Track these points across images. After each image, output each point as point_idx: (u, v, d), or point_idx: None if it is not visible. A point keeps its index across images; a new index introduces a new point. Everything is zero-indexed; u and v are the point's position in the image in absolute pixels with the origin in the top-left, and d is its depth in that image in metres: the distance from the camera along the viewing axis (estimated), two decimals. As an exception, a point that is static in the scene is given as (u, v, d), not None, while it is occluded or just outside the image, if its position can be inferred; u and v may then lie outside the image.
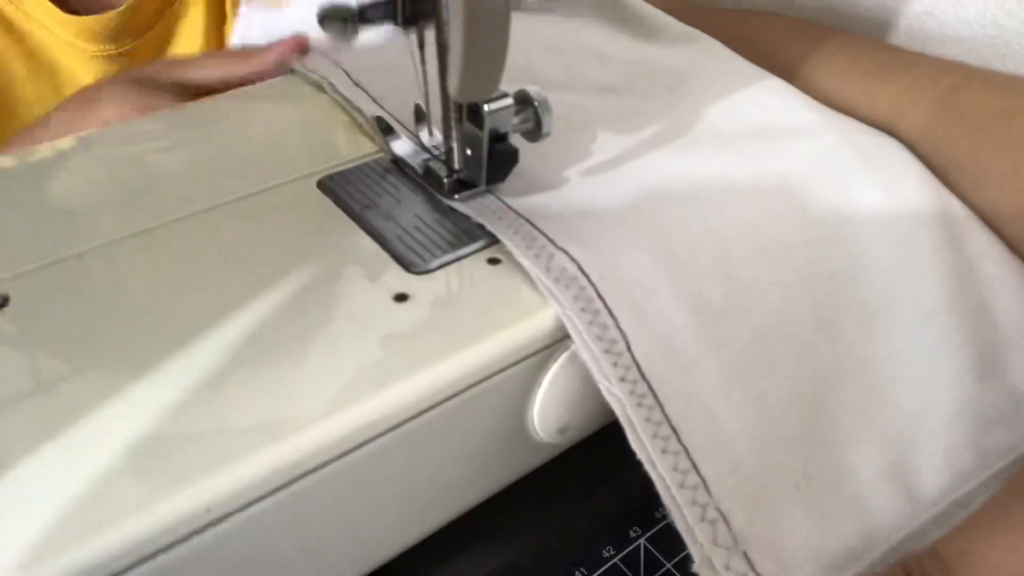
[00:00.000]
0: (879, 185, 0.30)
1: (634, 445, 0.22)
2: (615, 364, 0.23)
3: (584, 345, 0.23)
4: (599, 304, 0.23)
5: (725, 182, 0.29)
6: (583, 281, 0.23)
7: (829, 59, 0.36)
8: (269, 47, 0.38)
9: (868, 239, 0.29)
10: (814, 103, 0.34)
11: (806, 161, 0.30)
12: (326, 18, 0.23)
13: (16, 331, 0.22)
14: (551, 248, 0.24)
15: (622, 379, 0.22)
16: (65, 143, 0.30)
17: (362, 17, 0.23)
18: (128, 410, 0.20)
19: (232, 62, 0.38)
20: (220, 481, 0.18)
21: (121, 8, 0.52)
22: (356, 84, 0.32)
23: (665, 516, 0.30)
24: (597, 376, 0.23)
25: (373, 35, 0.24)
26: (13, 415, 0.20)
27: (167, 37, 0.56)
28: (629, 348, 0.23)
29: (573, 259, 0.24)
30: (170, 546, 0.18)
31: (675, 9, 0.39)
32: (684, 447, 0.23)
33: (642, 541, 0.29)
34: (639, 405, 0.22)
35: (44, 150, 0.30)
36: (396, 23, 0.23)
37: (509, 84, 0.24)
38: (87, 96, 0.39)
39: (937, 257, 0.29)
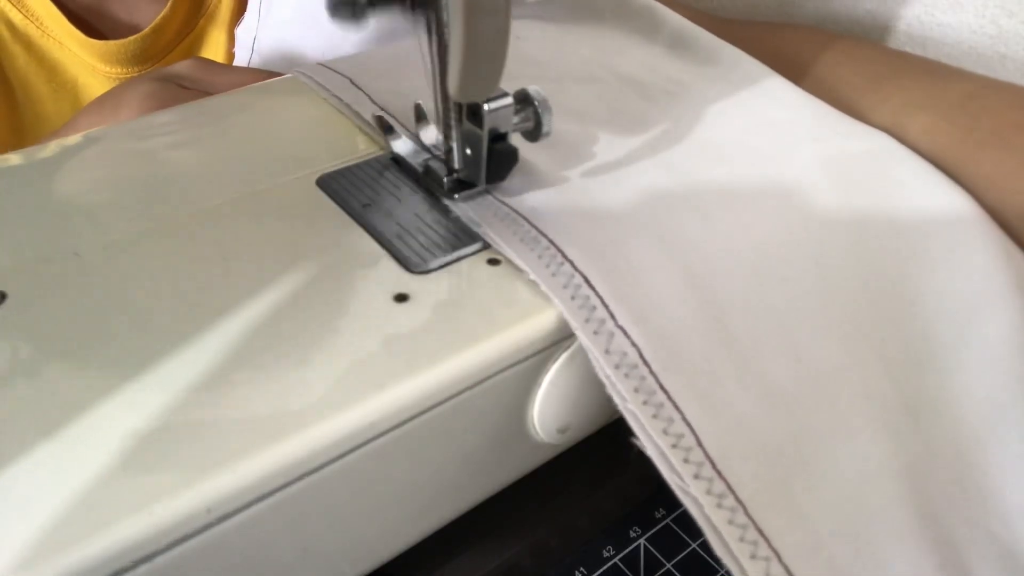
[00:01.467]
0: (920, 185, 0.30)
1: (641, 435, 0.22)
2: (617, 366, 0.22)
3: (587, 339, 0.22)
4: (598, 302, 0.23)
5: (739, 188, 0.28)
6: (584, 285, 0.23)
7: (846, 65, 0.36)
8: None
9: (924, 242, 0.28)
10: (825, 105, 0.34)
11: (820, 166, 0.30)
12: (336, 4, 0.23)
13: (13, 328, 0.22)
14: (552, 250, 0.24)
15: (636, 390, 0.22)
16: (67, 141, 0.30)
17: (371, 1, 0.23)
18: (127, 409, 0.20)
19: (264, 75, 0.39)
20: (220, 482, 0.18)
21: (142, 33, 0.53)
22: (355, 85, 0.32)
23: (665, 516, 0.30)
24: (600, 372, 0.22)
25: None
26: (10, 414, 0.20)
27: None
28: (641, 355, 0.22)
29: (570, 261, 0.24)
30: (169, 547, 0.18)
31: (710, 23, 0.39)
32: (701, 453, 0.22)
33: (642, 541, 0.29)
34: (655, 417, 0.22)
35: (47, 148, 0.30)
36: (405, 5, 0.23)
37: (511, 81, 0.24)
38: (114, 100, 0.39)
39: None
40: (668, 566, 0.29)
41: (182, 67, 0.41)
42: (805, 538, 0.22)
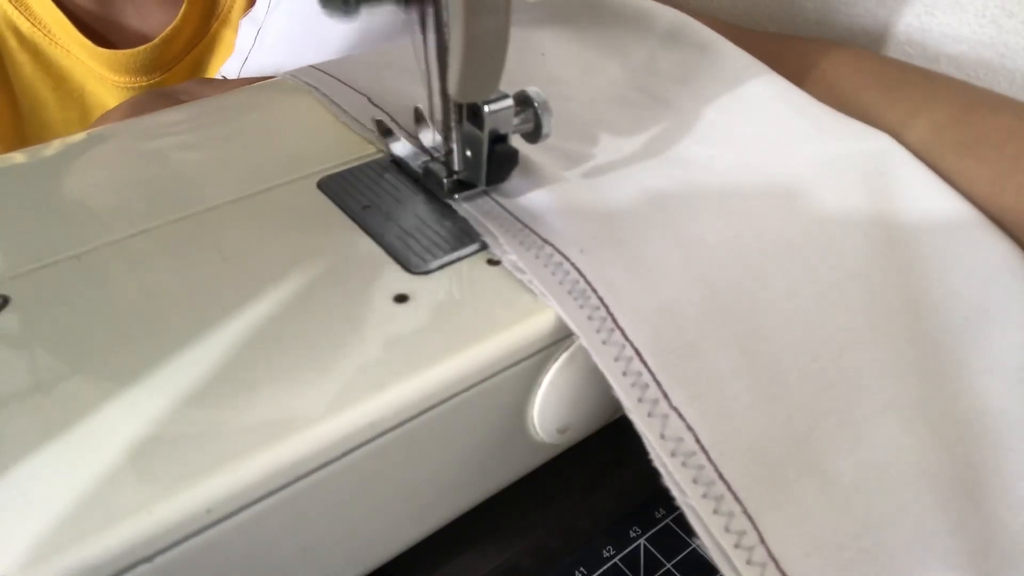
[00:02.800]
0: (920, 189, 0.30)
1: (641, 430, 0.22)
2: (616, 359, 0.22)
3: (590, 344, 0.22)
4: (598, 302, 0.23)
5: (737, 187, 0.28)
6: (582, 281, 0.23)
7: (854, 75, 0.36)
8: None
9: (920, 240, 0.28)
10: (826, 108, 0.34)
11: (824, 165, 0.30)
12: None
13: (16, 331, 0.22)
14: (549, 249, 0.24)
15: (640, 400, 0.22)
16: (66, 141, 0.30)
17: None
18: (127, 410, 0.20)
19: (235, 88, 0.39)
20: (220, 481, 0.18)
21: (152, 43, 0.52)
22: (351, 88, 0.32)
23: (665, 516, 0.30)
24: (606, 373, 0.22)
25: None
26: (13, 415, 0.20)
27: (196, 71, 0.57)
28: (640, 356, 0.22)
29: (570, 261, 0.24)
30: (170, 547, 0.18)
31: (730, 34, 0.38)
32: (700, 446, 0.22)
33: (642, 541, 0.29)
34: (650, 415, 0.22)
35: (46, 149, 0.30)
36: (400, 2, 0.23)
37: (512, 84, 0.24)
38: (121, 116, 0.39)
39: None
40: (668, 566, 0.29)
41: (184, 86, 0.41)
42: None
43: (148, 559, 0.18)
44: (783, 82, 0.35)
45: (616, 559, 0.28)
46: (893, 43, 0.42)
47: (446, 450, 0.23)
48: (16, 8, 0.51)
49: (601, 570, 0.28)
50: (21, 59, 0.52)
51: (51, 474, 0.18)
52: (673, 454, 0.22)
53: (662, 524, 0.30)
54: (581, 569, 0.28)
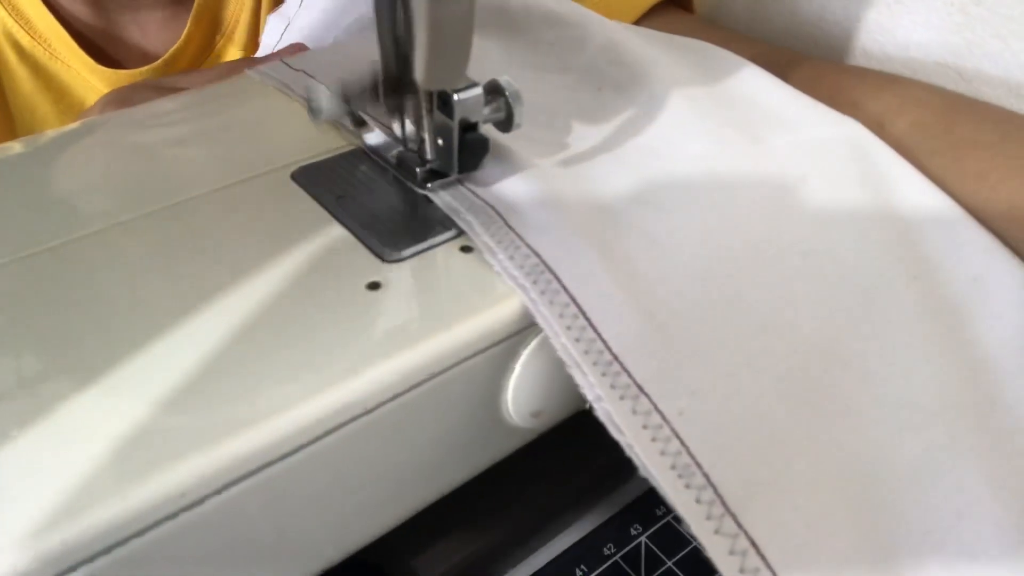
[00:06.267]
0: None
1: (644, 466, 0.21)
2: (587, 352, 0.22)
3: (555, 336, 0.23)
4: (567, 298, 0.23)
5: (711, 175, 0.29)
6: (549, 276, 0.23)
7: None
8: (270, 56, 0.38)
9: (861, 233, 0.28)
10: (797, 92, 0.34)
11: (799, 153, 0.30)
12: None
13: (-10, 324, 0.22)
14: (518, 241, 0.24)
15: (603, 374, 0.22)
16: (41, 137, 0.30)
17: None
18: (102, 398, 0.20)
19: (221, 74, 0.39)
20: (194, 465, 0.18)
21: (154, 65, 0.52)
22: (319, 83, 0.32)
23: (666, 513, 0.30)
24: (575, 372, 0.22)
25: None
26: (-13, 406, 0.20)
27: None
28: (603, 341, 0.22)
29: (537, 253, 0.24)
30: (144, 531, 0.18)
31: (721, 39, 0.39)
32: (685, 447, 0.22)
33: (643, 539, 0.29)
34: (621, 398, 0.22)
35: (21, 144, 0.30)
36: None
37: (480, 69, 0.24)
38: (101, 109, 0.38)
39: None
40: (669, 564, 0.28)
41: (169, 78, 0.41)
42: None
43: (122, 543, 0.18)
44: (754, 67, 0.35)
45: (617, 557, 0.28)
46: (862, 30, 0.43)
47: (421, 434, 0.23)
48: (16, 22, 0.50)
49: (602, 568, 0.28)
50: (20, 73, 0.51)
51: (25, 463, 0.19)
52: (654, 440, 0.22)
53: (663, 521, 0.30)
54: (582, 567, 0.28)
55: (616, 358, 0.22)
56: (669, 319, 0.24)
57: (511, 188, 0.27)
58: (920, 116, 0.32)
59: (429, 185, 0.27)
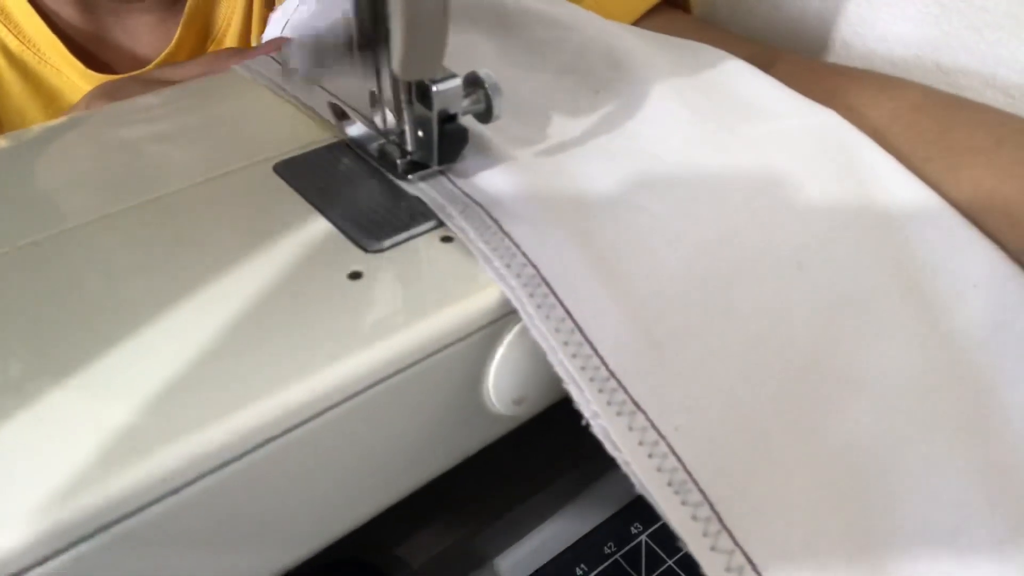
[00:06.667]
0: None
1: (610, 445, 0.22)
2: (583, 368, 0.22)
3: (535, 327, 0.23)
4: (546, 289, 0.23)
5: (691, 166, 0.29)
6: (546, 289, 0.23)
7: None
8: (253, 50, 0.38)
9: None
10: (774, 80, 0.34)
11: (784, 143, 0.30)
12: None
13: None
14: (500, 235, 0.24)
15: (600, 390, 0.22)
16: (24, 133, 0.31)
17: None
18: (83, 387, 0.20)
19: (206, 65, 0.39)
20: (176, 452, 0.19)
21: (145, 69, 0.52)
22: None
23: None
24: (550, 356, 0.22)
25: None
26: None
27: None
28: (600, 357, 0.22)
29: (516, 244, 0.24)
30: (126, 517, 0.18)
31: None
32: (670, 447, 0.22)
33: (643, 537, 0.29)
34: (618, 414, 0.22)
35: (4, 139, 0.30)
36: None
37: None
38: (87, 104, 0.38)
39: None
40: (669, 563, 0.28)
41: (157, 72, 0.41)
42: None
43: (104, 528, 0.18)
44: (729, 57, 0.35)
45: (617, 555, 0.28)
46: (841, 21, 0.43)
47: (403, 421, 0.23)
48: (5, 27, 0.50)
49: (602, 566, 0.28)
50: (10, 78, 0.51)
51: (7, 453, 0.19)
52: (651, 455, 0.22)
53: (663, 520, 0.30)
54: (582, 566, 0.28)
55: (613, 374, 0.22)
56: (666, 337, 0.24)
57: (493, 179, 0.27)
58: (915, 121, 0.32)
59: (410, 177, 0.27)
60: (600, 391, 0.22)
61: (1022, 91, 0.37)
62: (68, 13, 0.50)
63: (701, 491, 0.22)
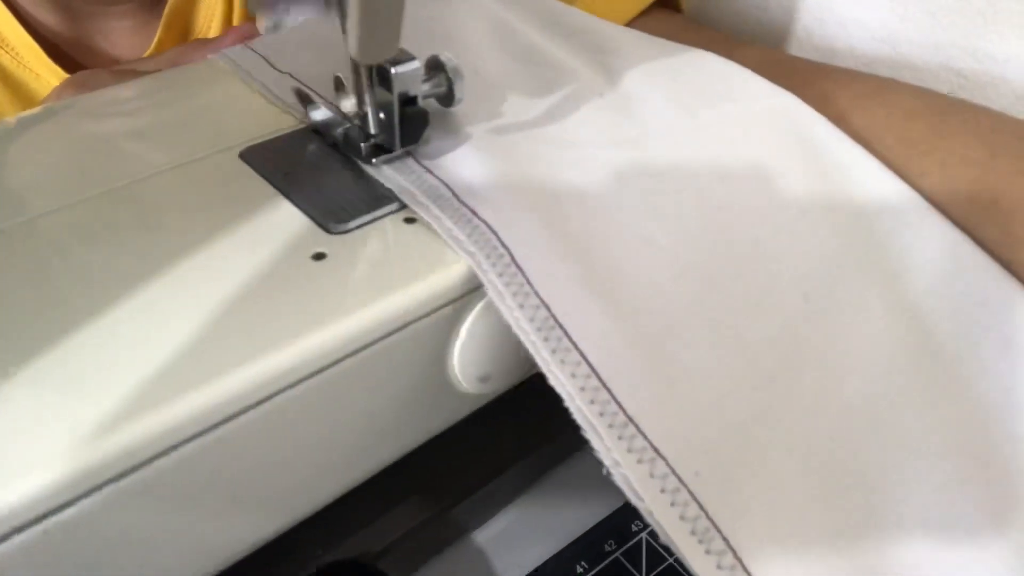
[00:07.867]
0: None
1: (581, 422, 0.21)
2: (602, 414, 0.22)
3: (503, 305, 0.23)
4: (515, 268, 0.23)
5: (664, 154, 0.29)
6: (560, 332, 0.23)
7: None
8: (219, 39, 0.38)
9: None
10: (755, 75, 0.34)
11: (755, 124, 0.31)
12: None
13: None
14: (464, 210, 0.25)
15: (619, 437, 0.21)
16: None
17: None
18: (51, 365, 0.20)
19: (176, 57, 0.39)
20: (140, 427, 0.19)
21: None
22: (273, 67, 0.33)
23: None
24: (515, 327, 0.23)
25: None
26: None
27: None
28: (617, 403, 0.22)
29: (483, 220, 0.24)
30: (90, 492, 0.19)
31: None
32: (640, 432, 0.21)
33: (644, 535, 0.29)
34: (639, 462, 0.21)
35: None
36: None
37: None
38: (58, 96, 0.38)
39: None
40: (670, 561, 0.28)
41: (129, 64, 0.41)
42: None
43: (71, 503, 0.18)
44: (712, 55, 0.36)
45: (618, 553, 0.28)
46: (803, 10, 0.44)
47: (368, 398, 0.24)
48: None
49: (603, 564, 0.28)
50: None
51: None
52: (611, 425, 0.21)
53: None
54: (583, 563, 0.28)
55: (631, 420, 0.22)
56: (680, 374, 0.23)
57: (458, 159, 0.27)
58: (908, 130, 0.32)
59: (374, 160, 0.27)
60: (620, 438, 0.21)
61: (975, 73, 0.37)
62: (47, 17, 0.50)
63: (724, 539, 0.21)
